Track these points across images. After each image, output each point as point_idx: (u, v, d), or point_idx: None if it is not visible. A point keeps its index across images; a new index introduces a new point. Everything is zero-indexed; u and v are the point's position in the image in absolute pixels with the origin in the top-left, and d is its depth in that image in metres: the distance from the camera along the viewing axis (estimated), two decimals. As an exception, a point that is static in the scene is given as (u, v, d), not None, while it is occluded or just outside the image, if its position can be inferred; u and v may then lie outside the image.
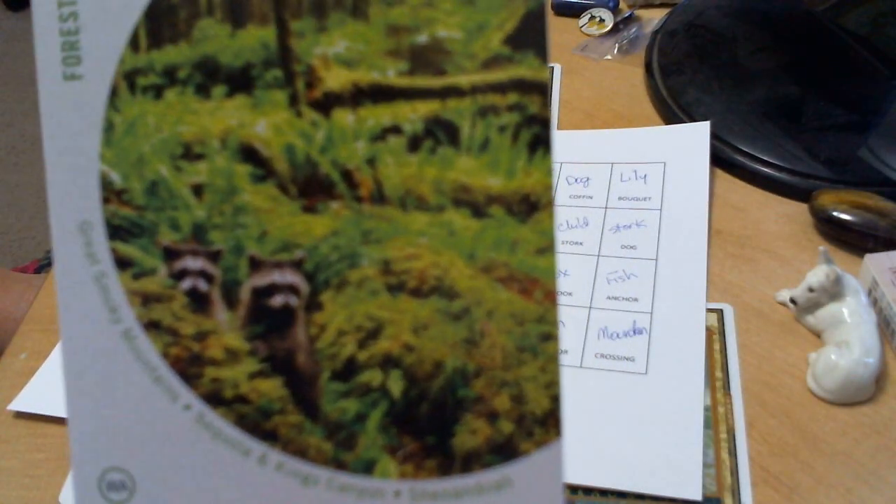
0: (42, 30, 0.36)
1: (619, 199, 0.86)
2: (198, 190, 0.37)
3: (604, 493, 0.62)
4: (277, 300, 0.37)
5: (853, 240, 0.74)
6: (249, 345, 0.37)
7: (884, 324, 0.66)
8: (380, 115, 0.36)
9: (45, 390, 0.72)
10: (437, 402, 0.36)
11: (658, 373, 0.68)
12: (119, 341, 0.37)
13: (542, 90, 0.34)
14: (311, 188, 0.37)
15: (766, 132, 0.85)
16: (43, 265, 1.68)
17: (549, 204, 0.35)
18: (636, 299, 0.75)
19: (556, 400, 0.36)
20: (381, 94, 0.36)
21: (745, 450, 0.61)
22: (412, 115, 0.36)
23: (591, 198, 0.87)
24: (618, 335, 0.73)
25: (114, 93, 0.37)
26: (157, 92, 0.37)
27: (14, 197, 2.89)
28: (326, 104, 0.36)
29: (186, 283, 0.37)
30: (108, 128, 0.37)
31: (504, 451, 0.36)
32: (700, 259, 0.76)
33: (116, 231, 0.37)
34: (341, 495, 0.37)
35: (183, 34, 0.36)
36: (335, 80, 0.36)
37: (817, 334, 0.68)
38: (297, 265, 0.37)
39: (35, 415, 0.70)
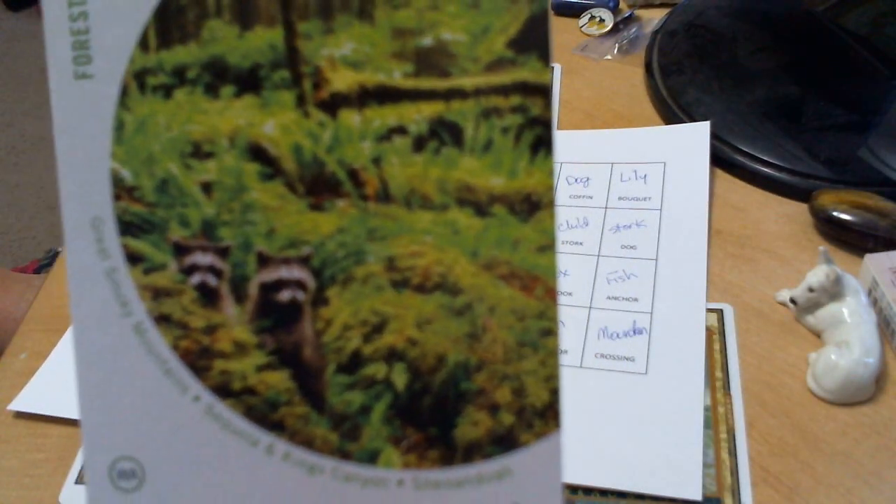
0: (53, 29, 0.37)
1: (619, 199, 0.87)
2: (207, 188, 0.38)
3: (604, 493, 0.63)
4: (285, 295, 0.38)
5: (853, 240, 0.75)
6: (257, 338, 0.39)
7: (884, 324, 0.67)
8: (385, 115, 0.37)
9: (45, 390, 0.73)
10: (440, 394, 0.38)
11: (658, 373, 0.69)
12: (130, 334, 0.39)
13: (544, 93, 0.36)
14: (318, 187, 0.38)
15: (766, 132, 0.86)
16: (43, 265, 1.69)
17: (550, 204, 0.36)
18: (636, 299, 0.76)
19: (555, 393, 0.37)
20: (387, 95, 0.37)
21: (745, 450, 0.62)
22: (417, 116, 0.37)
23: (591, 198, 0.88)
24: (618, 335, 0.74)
25: (124, 92, 0.38)
26: (167, 91, 0.38)
27: (14, 197, 2.89)
28: (333, 105, 0.37)
29: (196, 278, 0.39)
30: (119, 126, 0.38)
31: (505, 442, 0.37)
32: (700, 259, 0.77)
33: (127, 227, 0.38)
34: (346, 484, 0.38)
35: (192, 35, 0.38)
36: (342, 81, 0.37)
37: (817, 334, 0.69)
38: (305, 261, 0.38)
39: (35, 415, 0.71)
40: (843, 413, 0.63)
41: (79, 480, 0.66)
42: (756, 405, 0.65)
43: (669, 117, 0.92)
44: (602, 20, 1.12)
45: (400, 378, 0.38)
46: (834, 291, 0.66)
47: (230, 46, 0.38)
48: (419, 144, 0.37)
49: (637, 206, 0.84)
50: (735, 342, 0.70)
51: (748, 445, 0.62)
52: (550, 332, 0.37)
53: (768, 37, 0.97)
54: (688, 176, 0.85)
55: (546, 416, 0.37)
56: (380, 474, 0.38)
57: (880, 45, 0.85)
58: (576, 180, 0.89)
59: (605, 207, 0.86)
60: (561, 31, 1.12)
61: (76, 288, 0.39)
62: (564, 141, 0.93)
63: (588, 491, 0.63)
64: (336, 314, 0.38)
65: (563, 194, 0.88)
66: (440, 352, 0.38)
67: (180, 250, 0.39)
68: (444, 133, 0.37)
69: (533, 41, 0.36)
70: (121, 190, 0.38)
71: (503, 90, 0.36)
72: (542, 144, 0.36)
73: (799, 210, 0.80)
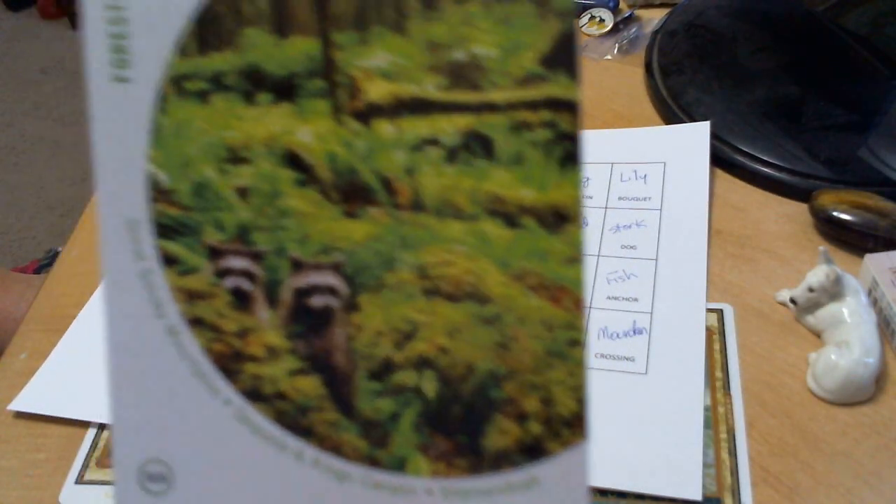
0: (92, 32, 0.38)
1: (619, 199, 0.87)
2: (242, 192, 0.39)
3: (603, 492, 0.65)
4: (317, 301, 0.39)
5: (853, 240, 0.76)
6: (290, 343, 0.40)
7: (884, 324, 0.68)
8: (419, 126, 0.38)
9: (45, 390, 0.73)
10: (469, 402, 0.39)
11: (658, 373, 0.70)
12: (163, 336, 0.40)
13: (573, 108, 0.37)
14: (352, 194, 0.39)
15: (766, 132, 0.87)
16: (43, 265, 1.69)
17: (578, 217, 0.37)
18: (636, 299, 0.77)
19: (582, 403, 0.38)
20: (421, 106, 0.38)
21: (745, 450, 0.63)
22: (449, 127, 0.38)
23: (591, 198, 0.89)
24: (618, 335, 0.75)
25: (162, 96, 0.39)
26: (204, 97, 0.39)
27: (14, 197, 2.88)
28: (368, 115, 0.38)
29: (230, 282, 0.40)
30: (156, 130, 0.39)
31: (532, 452, 0.38)
32: (700, 259, 0.78)
33: (163, 229, 0.39)
34: (375, 492, 0.39)
35: (229, 42, 0.39)
36: (376, 91, 0.38)
37: (817, 334, 0.69)
38: (337, 268, 0.39)
39: (35, 415, 0.71)
40: (843, 413, 0.64)
41: (79, 480, 0.67)
42: (756, 405, 0.66)
43: (669, 117, 0.93)
44: (602, 20, 1.13)
45: (430, 386, 0.39)
46: (834, 291, 0.67)
47: (267, 54, 0.39)
48: (452, 155, 0.38)
49: (637, 206, 0.85)
50: (735, 342, 0.71)
51: (748, 445, 0.63)
52: (578, 342, 0.38)
53: (768, 37, 0.97)
54: (688, 176, 0.86)
55: (573, 425, 0.38)
56: (408, 482, 0.39)
57: (880, 45, 0.86)
58: (577, 180, 0.89)
59: (605, 207, 0.87)
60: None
61: (111, 288, 0.40)
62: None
63: (589, 491, 0.64)
64: (367, 321, 0.39)
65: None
66: (470, 360, 0.39)
67: (215, 254, 0.40)
68: (476, 145, 0.38)
69: (562, 58, 0.37)
70: (157, 193, 0.39)
71: (533, 105, 0.37)
72: (571, 159, 0.37)
73: (799, 210, 0.81)
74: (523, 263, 0.38)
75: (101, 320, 0.41)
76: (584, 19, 1.14)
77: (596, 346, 0.74)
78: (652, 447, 0.65)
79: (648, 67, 0.98)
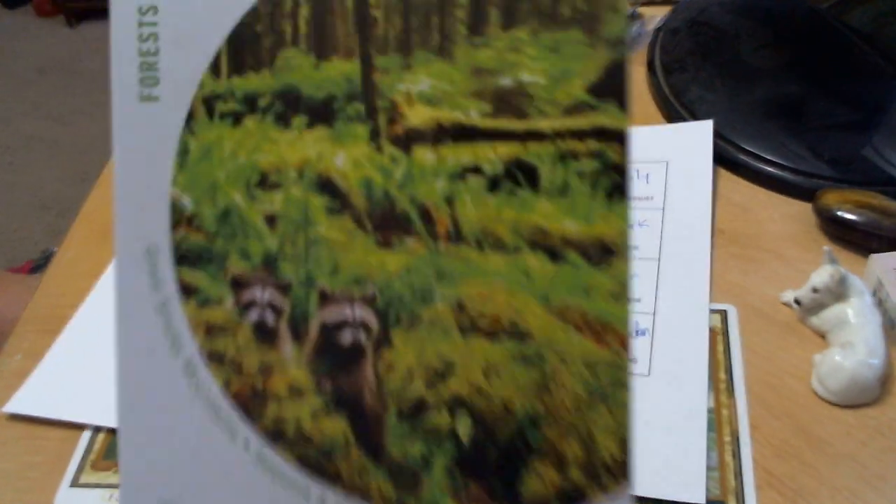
0: (120, 48, 0.37)
1: (622, 197, 0.86)
2: (271, 220, 0.38)
3: (605, 492, 0.63)
4: (347, 336, 0.37)
5: (857, 240, 0.75)
6: (315, 381, 0.38)
7: (889, 324, 0.67)
8: (460, 154, 0.37)
9: (40, 392, 0.72)
10: (506, 446, 0.37)
11: (660, 374, 0.69)
12: (179, 372, 0.38)
13: (622, 139, 0.35)
14: (387, 223, 0.37)
15: (770, 131, 0.85)
16: (38, 265, 1.68)
17: (625, 250, 0.36)
18: (638, 300, 0.75)
19: (626, 447, 0.36)
20: (463, 133, 0.37)
21: (748, 452, 0.62)
22: (493, 156, 0.36)
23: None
24: (620, 334, 0.73)
25: (191, 116, 0.37)
26: (236, 118, 0.38)
27: (9, 197, 2.87)
28: (407, 141, 0.37)
29: (253, 315, 0.38)
30: (183, 152, 0.37)
31: (572, 499, 0.36)
32: (703, 259, 0.76)
33: (184, 257, 0.38)
34: None
35: (266, 62, 0.37)
36: (418, 117, 0.37)
37: (822, 335, 0.68)
38: (369, 301, 0.37)
39: (30, 417, 0.70)
40: (847, 415, 0.63)
41: (74, 483, 0.65)
42: (760, 407, 0.64)
43: (672, 116, 0.92)
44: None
45: (464, 428, 0.37)
46: (838, 292, 0.66)
47: (305, 76, 0.37)
48: (494, 185, 0.37)
49: (639, 205, 0.84)
50: (739, 343, 0.69)
51: (752, 448, 0.62)
52: (622, 382, 0.36)
53: (771, 34, 0.96)
54: (690, 175, 0.84)
55: (616, 471, 0.36)
56: None
57: (885, 43, 0.85)
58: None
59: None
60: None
61: (124, 320, 0.38)
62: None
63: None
64: (399, 358, 0.37)
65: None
66: (507, 401, 0.37)
67: (239, 284, 0.38)
68: (520, 175, 0.36)
69: (612, 87, 0.35)
70: (180, 218, 0.38)
71: (580, 134, 0.36)
72: (618, 190, 0.36)
73: (803, 210, 0.80)
74: (566, 299, 0.37)
75: (114, 352, 0.39)
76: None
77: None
78: (655, 450, 0.63)
79: (651, 65, 0.97)
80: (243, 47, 0.37)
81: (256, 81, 0.37)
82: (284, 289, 0.37)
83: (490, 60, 0.36)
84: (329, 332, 0.37)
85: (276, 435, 0.37)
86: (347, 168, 0.37)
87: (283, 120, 0.37)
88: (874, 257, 0.70)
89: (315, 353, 0.37)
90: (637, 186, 0.86)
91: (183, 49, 0.37)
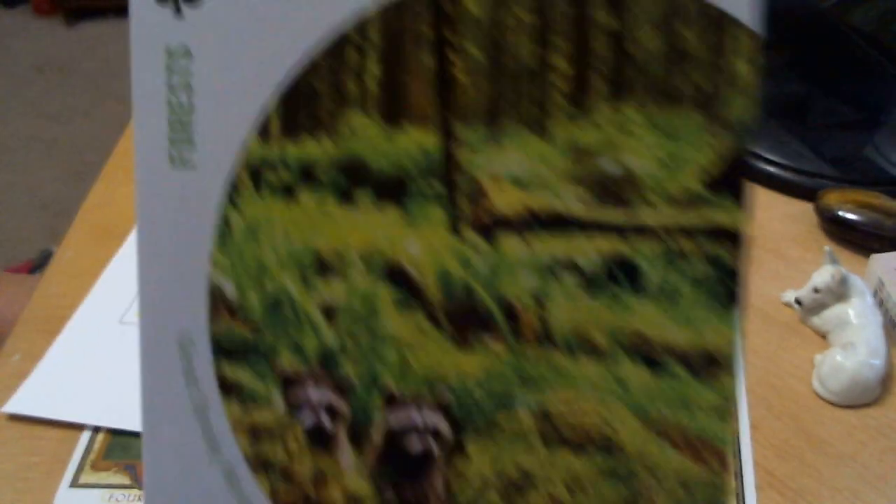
0: (144, 98, 0.32)
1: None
2: (330, 312, 0.33)
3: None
4: (415, 444, 0.34)
5: (859, 240, 0.75)
6: (377, 490, 0.34)
7: (890, 325, 0.67)
8: (554, 246, 0.33)
9: (39, 393, 0.70)
10: None
11: (661, 374, 0.68)
12: (219, 480, 0.34)
13: (737, 240, 0.32)
14: (466, 321, 0.33)
15: (771, 130, 0.85)
16: (37, 265, 1.67)
17: (733, 363, 0.33)
18: None
19: None
20: (558, 223, 0.33)
21: (749, 453, 0.61)
22: (591, 250, 0.33)
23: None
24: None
25: (234, 187, 0.33)
26: (290, 192, 0.33)
27: (7, 196, 2.85)
28: (493, 228, 0.33)
29: (307, 418, 0.34)
30: (224, 228, 0.33)
31: None
32: (704, 259, 0.76)
33: (226, 352, 0.33)
34: None
35: (326, 127, 0.32)
36: (506, 202, 0.32)
37: (823, 336, 0.68)
38: (442, 406, 0.33)
39: (29, 417, 0.69)
40: (848, 415, 0.63)
41: (73, 484, 0.64)
42: (761, 407, 0.64)
43: (673, 115, 0.91)
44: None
45: None
46: (840, 292, 0.66)
47: (374, 146, 0.33)
48: (591, 283, 0.33)
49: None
50: (740, 344, 0.68)
51: (753, 448, 0.61)
52: (720, 503, 0.33)
53: (773, 34, 0.95)
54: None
55: None
56: None
57: (887, 43, 0.85)
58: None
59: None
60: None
61: (154, 421, 0.34)
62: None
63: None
64: (473, 468, 0.34)
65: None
66: None
67: (290, 383, 0.34)
68: (621, 274, 0.33)
69: (731, 179, 0.32)
70: (220, 305, 0.33)
71: (692, 232, 0.32)
72: (730, 297, 0.33)
73: (804, 209, 0.79)
74: (664, 412, 0.33)
75: (143, 457, 0.35)
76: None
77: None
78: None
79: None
80: (298, 106, 0.32)
81: (314, 149, 0.32)
82: (344, 390, 0.33)
83: (593, 140, 0.32)
84: (395, 438, 0.34)
85: None
86: (422, 256, 0.33)
87: (346, 196, 0.33)
88: (875, 257, 0.70)
89: (378, 461, 0.34)
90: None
91: (224, 105, 0.32)
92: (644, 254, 0.32)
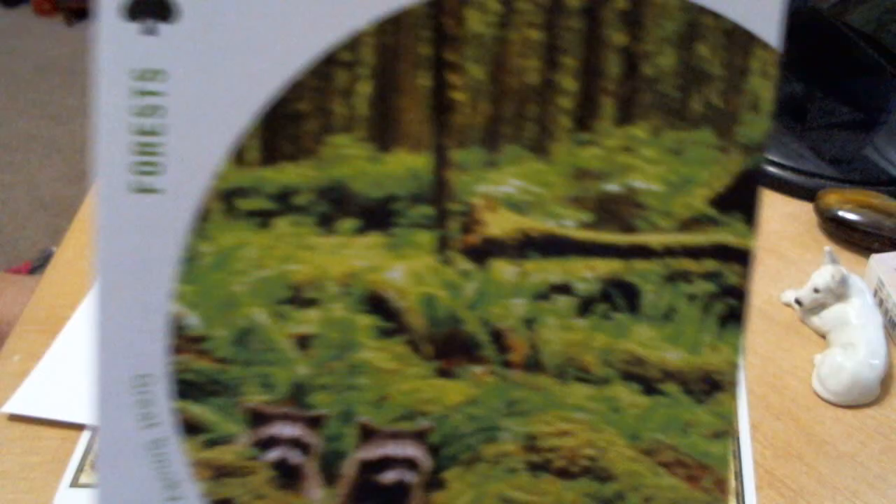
0: (108, 120, 0.29)
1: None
2: (303, 342, 0.31)
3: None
4: (390, 476, 0.32)
5: (859, 240, 0.76)
6: None
7: (890, 325, 0.68)
8: (549, 270, 0.31)
9: (39, 393, 0.70)
10: None
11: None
12: None
13: (745, 260, 0.31)
14: (451, 349, 0.32)
15: (771, 130, 0.84)
16: (37, 266, 1.66)
17: (733, 385, 0.32)
18: None
19: None
20: (555, 246, 0.31)
21: (749, 453, 0.62)
22: (588, 273, 0.31)
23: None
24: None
25: (203, 215, 0.30)
26: (265, 219, 0.30)
27: (8, 196, 2.82)
28: (484, 253, 0.31)
29: (274, 454, 0.32)
30: (191, 258, 0.30)
31: None
32: (704, 259, 0.75)
33: (186, 388, 0.31)
34: None
35: (308, 151, 0.30)
36: (500, 225, 0.31)
37: (822, 336, 0.69)
38: (420, 436, 0.32)
39: (29, 417, 0.68)
40: (848, 415, 0.64)
41: (73, 484, 0.63)
42: (761, 407, 0.65)
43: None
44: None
45: None
46: (839, 292, 0.66)
47: (359, 170, 0.30)
48: (586, 307, 0.32)
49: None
50: None
51: (753, 448, 0.61)
52: None
53: None
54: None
55: None
56: None
57: (886, 43, 0.85)
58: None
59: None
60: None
61: (107, 463, 0.31)
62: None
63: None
64: (453, 500, 0.33)
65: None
66: None
67: (258, 419, 0.32)
68: (618, 296, 0.32)
69: (741, 200, 0.31)
70: (183, 341, 0.31)
71: (697, 253, 0.31)
72: (734, 317, 0.32)
73: (804, 209, 0.80)
74: (658, 436, 0.33)
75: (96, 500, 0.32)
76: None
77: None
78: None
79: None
80: (279, 129, 0.30)
81: (294, 174, 0.30)
82: (316, 423, 0.32)
83: (596, 161, 0.30)
84: (369, 470, 0.32)
85: None
86: (406, 283, 0.31)
87: (326, 223, 0.31)
88: (875, 257, 0.71)
89: (350, 496, 0.32)
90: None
91: (197, 129, 0.29)
92: (644, 275, 0.32)
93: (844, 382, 0.63)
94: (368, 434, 0.32)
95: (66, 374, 0.72)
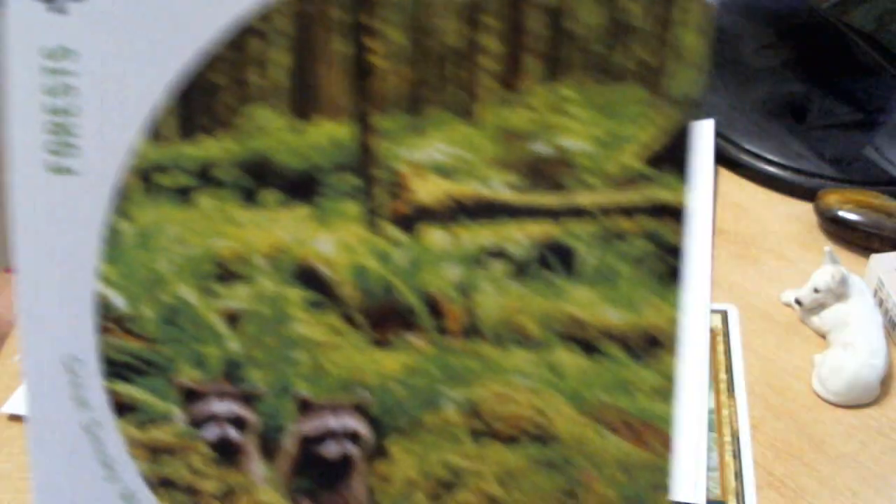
0: (19, 102, 0.28)
1: (620, 198, 0.84)
2: (233, 318, 0.31)
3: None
4: (332, 449, 0.32)
5: (859, 240, 0.76)
6: (292, 502, 0.33)
7: (890, 325, 0.68)
8: (481, 235, 0.31)
9: (39, 393, 0.71)
10: None
11: (661, 375, 0.67)
12: (115, 503, 0.32)
13: (679, 216, 0.31)
14: (385, 318, 0.32)
15: (771, 130, 0.85)
16: None
17: (673, 343, 0.32)
18: None
19: None
20: (486, 211, 0.31)
21: (749, 453, 0.62)
22: (521, 237, 0.31)
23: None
24: (620, 337, 0.72)
25: (121, 193, 0.30)
26: (185, 195, 0.30)
27: (7, 197, 2.86)
28: (414, 220, 0.31)
29: (211, 431, 0.32)
30: (112, 238, 0.30)
31: None
32: (704, 260, 0.75)
33: (117, 369, 0.31)
34: None
35: (226, 124, 0.30)
36: (428, 191, 0.31)
37: (823, 336, 0.69)
38: (360, 408, 0.32)
39: (29, 417, 0.69)
40: (848, 415, 0.64)
41: (74, 483, 0.64)
42: (761, 407, 0.64)
43: (672, 114, 0.91)
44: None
45: None
46: (840, 292, 0.66)
47: (279, 142, 0.30)
48: (521, 271, 0.31)
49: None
50: (739, 344, 0.69)
51: (752, 448, 0.61)
52: (662, 486, 0.33)
53: (773, 34, 0.96)
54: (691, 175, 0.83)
55: None
56: None
57: (886, 43, 0.85)
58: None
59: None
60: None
61: (42, 444, 0.31)
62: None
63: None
64: (397, 470, 0.33)
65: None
66: None
67: (192, 397, 0.32)
68: (553, 258, 0.31)
69: (674, 155, 0.30)
70: (109, 321, 0.31)
71: (631, 211, 0.31)
72: (671, 275, 0.31)
73: (804, 209, 0.80)
74: (602, 397, 0.33)
75: (32, 483, 0.32)
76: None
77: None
78: (656, 450, 0.61)
79: (651, 64, 0.95)
80: (195, 104, 0.29)
81: (213, 148, 0.30)
82: (252, 399, 0.32)
83: (524, 122, 0.30)
84: (310, 445, 0.32)
85: None
86: (335, 254, 0.31)
87: (249, 197, 0.30)
88: (875, 257, 0.70)
89: (293, 470, 0.32)
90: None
91: (110, 106, 0.29)
92: (579, 236, 0.31)
93: (845, 382, 0.63)
94: (306, 408, 0.32)
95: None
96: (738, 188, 0.83)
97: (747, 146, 0.84)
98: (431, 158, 0.30)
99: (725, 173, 0.85)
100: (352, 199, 0.30)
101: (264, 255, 0.31)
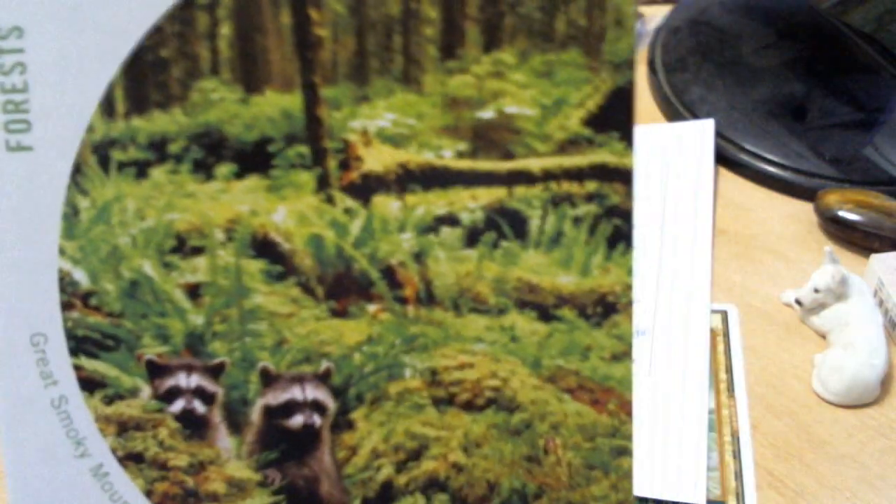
0: None
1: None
2: (194, 291, 0.32)
3: (605, 496, 0.61)
4: (297, 420, 0.33)
5: (859, 240, 0.76)
6: (260, 474, 0.33)
7: (890, 325, 0.68)
8: (432, 202, 0.32)
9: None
10: None
11: (661, 375, 0.67)
12: (87, 479, 0.32)
13: (625, 178, 0.31)
14: (343, 288, 0.32)
15: (771, 130, 0.85)
16: None
17: (628, 305, 0.33)
18: (638, 300, 0.74)
19: None
20: (435, 178, 0.31)
21: (749, 453, 0.61)
22: (472, 203, 0.32)
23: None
24: (619, 336, 0.72)
25: (78, 169, 0.30)
26: (141, 169, 0.31)
27: None
28: (365, 189, 0.32)
29: (178, 405, 0.32)
30: (71, 214, 0.31)
31: None
32: (704, 259, 0.75)
33: (82, 344, 0.31)
34: None
35: (177, 97, 0.30)
36: (378, 160, 0.31)
37: (823, 336, 0.69)
38: (323, 378, 0.33)
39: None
40: (848, 415, 0.64)
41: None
42: (761, 407, 0.64)
43: (672, 115, 0.91)
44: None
45: None
46: (840, 292, 0.66)
47: (230, 114, 0.31)
48: (473, 237, 0.32)
49: (640, 206, 0.82)
50: (739, 344, 0.69)
51: (752, 448, 0.61)
52: (624, 450, 0.34)
53: (773, 34, 0.96)
54: (691, 175, 0.83)
55: None
56: None
57: (886, 43, 0.85)
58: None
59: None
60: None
61: (12, 424, 0.32)
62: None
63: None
64: (363, 440, 0.33)
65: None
66: (492, 478, 0.34)
67: (156, 371, 0.32)
68: (504, 224, 0.32)
69: (615, 118, 0.31)
70: (72, 297, 0.31)
71: (577, 174, 0.32)
72: (621, 238, 0.32)
73: (804, 209, 0.80)
74: (559, 362, 0.33)
75: (4, 459, 0.33)
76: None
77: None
78: (655, 450, 0.61)
79: (651, 64, 0.96)
80: (145, 78, 0.30)
81: (165, 122, 0.30)
82: (216, 371, 0.32)
83: (467, 88, 0.31)
84: (274, 416, 0.33)
85: None
86: (290, 225, 0.31)
87: (203, 169, 0.31)
88: (875, 257, 0.71)
89: (259, 442, 0.33)
90: (637, 186, 0.84)
91: (62, 84, 0.29)
92: (528, 201, 0.32)
93: (845, 382, 0.63)
94: (270, 379, 0.33)
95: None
96: (738, 188, 0.83)
97: (747, 146, 0.84)
98: (379, 127, 0.31)
99: (725, 173, 0.84)
100: (304, 170, 0.31)
101: (221, 228, 0.32)
